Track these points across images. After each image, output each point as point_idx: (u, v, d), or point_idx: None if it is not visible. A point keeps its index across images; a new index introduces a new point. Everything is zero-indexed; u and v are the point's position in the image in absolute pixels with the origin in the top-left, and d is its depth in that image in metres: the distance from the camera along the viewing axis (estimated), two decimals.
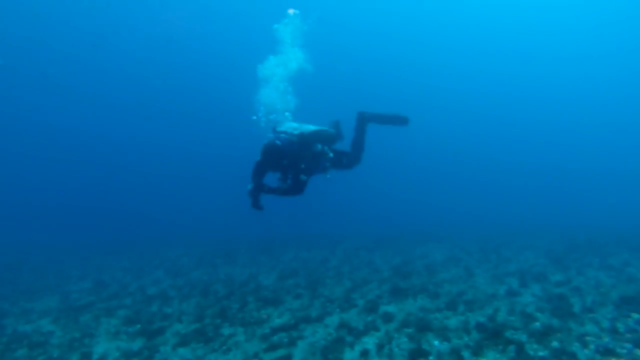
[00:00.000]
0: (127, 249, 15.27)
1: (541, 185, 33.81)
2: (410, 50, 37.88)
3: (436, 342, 4.82)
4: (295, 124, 5.57)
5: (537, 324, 4.97)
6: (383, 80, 37.74)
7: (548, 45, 37.37)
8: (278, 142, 5.02)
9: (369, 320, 5.92)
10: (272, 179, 5.40)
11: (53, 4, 25.59)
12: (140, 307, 7.61)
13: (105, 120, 34.94)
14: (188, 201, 31.17)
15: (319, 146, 5.43)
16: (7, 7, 24.30)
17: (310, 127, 5.60)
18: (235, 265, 11.14)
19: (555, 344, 4.32)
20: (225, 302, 7.46)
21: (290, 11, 5.74)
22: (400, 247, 13.63)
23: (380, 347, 4.92)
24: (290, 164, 5.12)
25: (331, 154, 5.58)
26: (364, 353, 4.78)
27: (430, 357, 4.48)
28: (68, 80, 31.48)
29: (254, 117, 6.10)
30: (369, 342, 5.11)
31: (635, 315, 5.06)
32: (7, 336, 6.58)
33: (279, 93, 6.17)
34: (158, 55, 33.30)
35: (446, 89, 40.07)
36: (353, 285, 8.63)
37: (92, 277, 10.91)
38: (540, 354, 4.17)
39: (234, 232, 19.27)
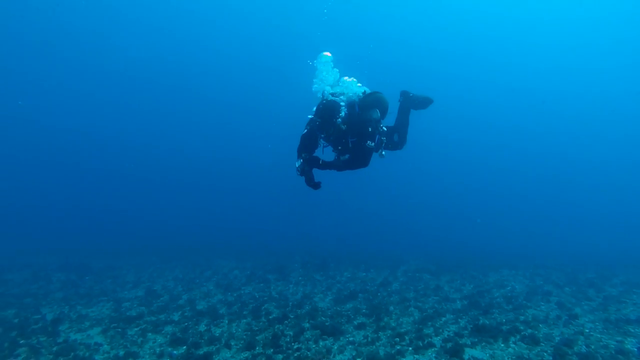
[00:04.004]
0: (181, 256, 15.21)
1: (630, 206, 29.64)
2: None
3: None
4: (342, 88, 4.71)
5: None
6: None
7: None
8: (339, 101, 4.22)
9: None
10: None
11: (54, 4, 26.35)
12: (188, 324, 7.07)
13: (164, 130, 36.58)
14: (241, 209, 31.35)
15: (378, 113, 4.55)
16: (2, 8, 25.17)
17: (366, 89, 4.76)
18: (289, 283, 10.40)
19: None
20: (279, 327, 6.67)
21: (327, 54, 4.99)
22: (468, 272, 12.16)
23: None
24: (350, 130, 4.29)
25: (384, 128, 4.74)
26: None
27: None
28: (111, 90, 33.41)
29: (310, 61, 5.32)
30: None
31: None
32: (58, 345, 6.31)
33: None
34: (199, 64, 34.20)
35: (504, 105, 37.16)
36: (422, 315, 7.46)
37: (145, 285, 10.76)
38: None
39: (287, 243, 18.72)
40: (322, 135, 4.30)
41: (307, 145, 4.44)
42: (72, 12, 27.32)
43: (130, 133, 35.81)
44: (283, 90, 32.85)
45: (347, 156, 4.40)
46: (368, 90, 4.73)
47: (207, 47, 33.84)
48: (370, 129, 4.28)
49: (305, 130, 4.43)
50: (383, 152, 4.65)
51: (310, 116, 4.41)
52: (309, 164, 4.37)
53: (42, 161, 33.66)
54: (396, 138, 5.16)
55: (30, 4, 25.68)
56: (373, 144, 4.31)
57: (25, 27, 27.03)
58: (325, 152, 4.58)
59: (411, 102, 5.34)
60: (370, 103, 4.53)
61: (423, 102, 5.35)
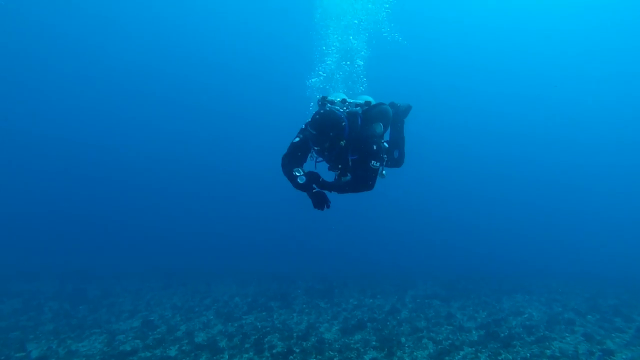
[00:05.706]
0: (180, 281, 14.57)
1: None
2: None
3: None
4: (344, 95, 4.24)
5: None
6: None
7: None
8: (339, 112, 3.70)
9: None
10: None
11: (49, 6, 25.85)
12: None
13: (163, 142, 35.89)
14: (241, 225, 30.32)
15: (382, 127, 4.06)
16: None
17: (371, 99, 4.25)
18: (292, 311, 9.85)
19: None
20: None
21: None
22: (480, 297, 11.64)
23: None
24: (349, 147, 3.73)
25: (386, 144, 4.25)
26: None
27: None
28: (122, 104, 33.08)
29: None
30: None
31: None
32: None
33: None
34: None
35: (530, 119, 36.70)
36: (438, 349, 6.93)
37: (142, 314, 10.21)
38: None
39: (289, 263, 18.10)
40: (316, 149, 3.68)
41: (296, 156, 3.86)
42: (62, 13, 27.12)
43: (130, 146, 35.14)
44: (284, 99, 31.98)
45: (348, 177, 3.90)
46: (373, 101, 4.23)
47: (206, 50, 33.65)
48: (374, 147, 3.76)
49: (297, 139, 3.87)
50: (384, 172, 4.14)
51: (303, 126, 3.89)
52: (310, 180, 3.72)
53: (35, 172, 32.71)
54: (396, 154, 4.65)
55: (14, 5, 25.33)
56: (378, 164, 3.76)
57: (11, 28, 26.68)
58: (319, 168, 3.97)
59: (401, 113, 4.85)
60: (374, 116, 4.03)
61: (404, 112, 4.92)
